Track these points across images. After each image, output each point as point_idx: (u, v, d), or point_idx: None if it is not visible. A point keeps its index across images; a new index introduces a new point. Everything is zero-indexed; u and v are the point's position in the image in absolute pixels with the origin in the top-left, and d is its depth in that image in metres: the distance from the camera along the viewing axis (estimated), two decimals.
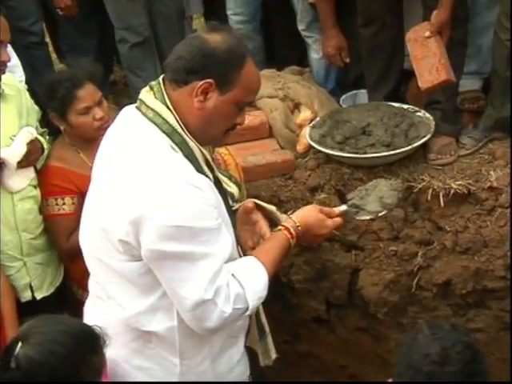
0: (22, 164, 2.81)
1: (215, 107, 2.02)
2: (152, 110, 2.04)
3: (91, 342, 1.79)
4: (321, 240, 2.59)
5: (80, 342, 1.76)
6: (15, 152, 2.79)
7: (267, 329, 2.43)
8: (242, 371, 2.33)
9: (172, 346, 2.13)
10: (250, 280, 2.05)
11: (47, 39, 4.17)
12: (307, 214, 2.25)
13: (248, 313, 2.06)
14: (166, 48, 4.00)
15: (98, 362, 1.80)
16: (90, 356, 1.78)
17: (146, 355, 2.16)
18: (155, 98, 2.05)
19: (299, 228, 2.19)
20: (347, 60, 3.67)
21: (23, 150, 2.80)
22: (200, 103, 2.00)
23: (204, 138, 2.08)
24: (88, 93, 2.87)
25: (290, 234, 2.17)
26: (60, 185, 2.91)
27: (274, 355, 2.46)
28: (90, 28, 4.06)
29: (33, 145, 2.85)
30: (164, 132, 2.02)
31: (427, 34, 2.98)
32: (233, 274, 2.03)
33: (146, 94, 2.08)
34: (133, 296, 2.09)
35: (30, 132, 2.87)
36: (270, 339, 2.45)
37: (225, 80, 2.00)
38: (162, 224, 1.91)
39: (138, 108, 2.08)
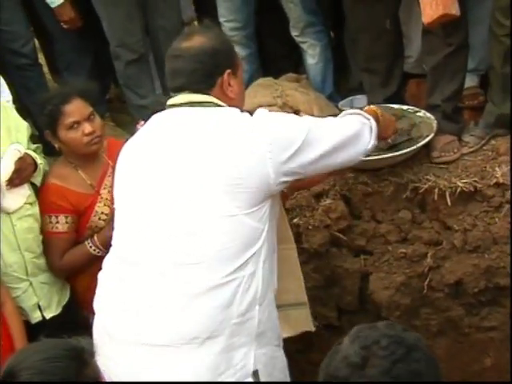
0: (14, 183, 2.74)
1: (239, 89, 2.35)
2: (210, 102, 2.27)
3: (77, 358, 1.73)
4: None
5: (66, 364, 1.70)
6: (2, 172, 2.71)
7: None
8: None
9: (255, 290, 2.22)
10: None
11: (41, 59, 4.14)
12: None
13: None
14: None
15: (91, 372, 1.74)
16: (81, 371, 1.72)
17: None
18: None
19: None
20: None
21: (10, 168, 2.72)
22: (232, 92, 2.32)
23: None
24: (75, 108, 2.82)
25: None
26: (56, 202, 2.87)
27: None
28: (85, 45, 4.03)
29: (22, 162, 2.77)
30: None
31: None
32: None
33: (192, 96, 2.28)
34: (236, 251, 2.19)
35: (17, 149, 2.78)
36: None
37: (234, 64, 2.34)
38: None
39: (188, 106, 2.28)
